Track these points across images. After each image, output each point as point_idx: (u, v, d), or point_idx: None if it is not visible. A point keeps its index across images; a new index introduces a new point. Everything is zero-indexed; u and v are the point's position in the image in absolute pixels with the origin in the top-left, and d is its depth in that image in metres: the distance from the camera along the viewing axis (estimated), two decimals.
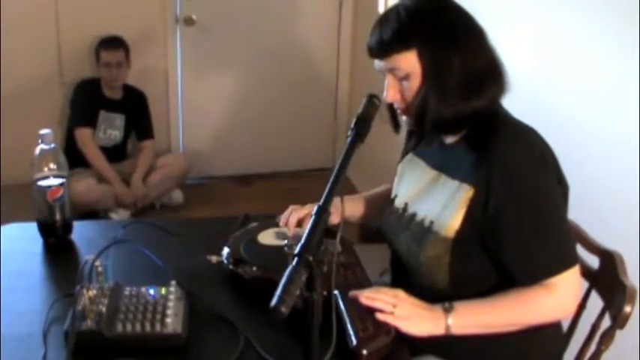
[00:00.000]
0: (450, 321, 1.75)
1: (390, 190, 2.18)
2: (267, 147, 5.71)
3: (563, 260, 1.77)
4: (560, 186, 1.83)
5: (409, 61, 1.80)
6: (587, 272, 2.09)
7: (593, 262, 2.09)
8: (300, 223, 2.11)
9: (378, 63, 1.88)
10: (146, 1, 5.22)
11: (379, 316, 1.75)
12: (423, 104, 1.82)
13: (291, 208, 2.17)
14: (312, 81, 5.68)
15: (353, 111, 5.61)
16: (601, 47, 2.67)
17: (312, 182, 5.43)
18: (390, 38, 1.81)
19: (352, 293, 1.81)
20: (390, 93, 1.88)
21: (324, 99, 5.76)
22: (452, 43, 1.79)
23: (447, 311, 1.76)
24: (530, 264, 1.77)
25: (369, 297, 1.78)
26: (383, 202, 2.19)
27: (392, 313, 1.74)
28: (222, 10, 5.32)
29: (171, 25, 5.28)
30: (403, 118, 1.95)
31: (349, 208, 2.24)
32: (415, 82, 1.82)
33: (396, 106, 1.92)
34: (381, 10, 4.86)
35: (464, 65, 1.79)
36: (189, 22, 5.25)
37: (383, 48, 1.83)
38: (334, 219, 2.04)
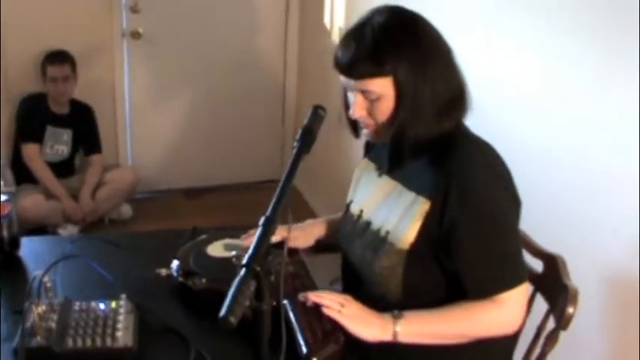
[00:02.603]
0: (399, 328, 1.77)
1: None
2: (215, 160, 5.70)
3: (513, 277, 1.80)
4: (513, 202, 1.85)
5: (383, 85, 1.79)
6: (531, 276, 2.13)
7: (537, 266, 2.14)
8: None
9: (346, 80, 1.85)
10: (92, 14, 5.17)
11: (326, 310, 1.77)
12: (400, 129, 1.82)
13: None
14: (260, 92, 5.69)
15: (300, 122, 5.62)
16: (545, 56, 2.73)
17: (261, 194, 5.37)
18: (365, 61, 1.78)
19: (301, 295, 1.82)
20: (357, 110, 1.86)
21: (272, 111, 5.78)
22: (427, 68, 1.79)
23: (396, 318, 1.78)
24: (481, 279, 1.80)
25: (317, 295, 1.81)
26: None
27: (339, 312, 1.76)
28: (169, 24, 5.31)
29: (118, 38, 5.25)
30: (364, 131, 1.94)
31: (318, 231, 2.27)
32: (387, 104, 1.81)
33: (361, 121, 1.90)
34: (327, 20, 4.90)
35: (437, 88, 1.80)
36: (135, 35, 5.23)
37: (356, 70, 1.80)
38: (301, 243, 2.14)
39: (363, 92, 1.83)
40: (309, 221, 2.30)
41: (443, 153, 1.83)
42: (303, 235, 2.24)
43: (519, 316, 1.82)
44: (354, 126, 2.00)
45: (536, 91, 2.80)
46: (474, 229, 1.77)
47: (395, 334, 1.77)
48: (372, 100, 1.83)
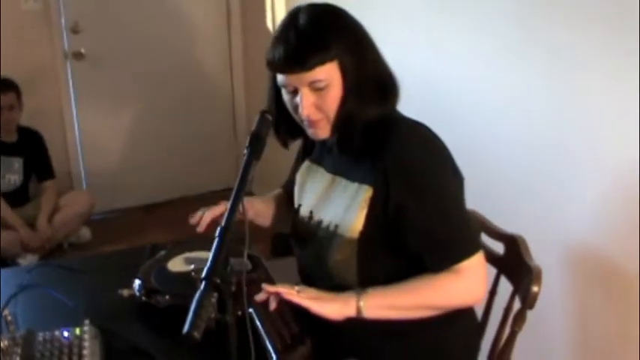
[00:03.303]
0: (362, 302, 1.77)
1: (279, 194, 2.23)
2: (170, 173, 5.68)
3: (468, 247, 1.82)
4: (455, 177, 1.87)
5: (330, 72, 1.79)
6: (493, 258, 2.15)
7: (498, 248, 2.15)
8: (214, 222, 2.08)
9: (286, 78, 1.83)
10: (32, 38, 5.12)
11: (285, 295, 1.76)
12: (349, 112, 1.82)
13: (202, 209, 2.14)
14: (209, 104, 5.68)
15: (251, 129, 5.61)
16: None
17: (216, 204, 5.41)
18: (309, 51, 1.77)
19: (257, 297, 1.80)
20: (306, 107, 1.83)
21: (223, 120, 5.77)
22: (364, 50, 1.83)
23: (359, 294, 1.79)
24: (436, 254, 1.81)
25: (273, 287, 1.80)
26: (285, 202, 2.24)
27: (298, 295, 1.77)
28: (111, 42, 5.28)
29: (61, 60, 5.20)
30: (310, 131, 1.91)
31: (262, 207, 2.26)
32: (335, 91, 1.81)
33: (305, 119, 1.88)
34: (270, 24, 4.90)
35: (376, 69, 1.84)
36: (78, 56, 5.19)
37: (301, 61, 1.78)
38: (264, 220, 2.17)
39: (310, 84, 1.81)
40: (251, 197, 2.29)
41: (378, 138, 1.84)
42: (265, 208, 2.27)
43: (480, 284, 1.84)
44: (284, 138, 2.03)
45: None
46: (421, 205, 1.79)
47: (359, 309, 1.77)
48: (320, 91, 1.82)
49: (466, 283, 1.81)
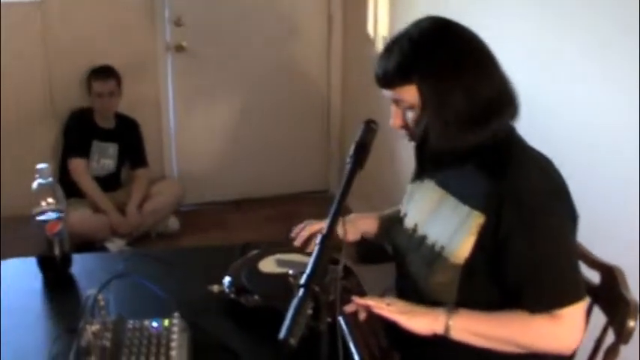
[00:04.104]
0: (451, 322, 1.75)
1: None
2: (260, 171, 5.70)
3: (572, 292, 1.76)
4: (570, 216, 1.82)
5: (410, 94, 1.80)
6: (588, 287, 2.09)
7: (594, 277, 2.10)
8: (310, 238, 2.10)
9: (384, 91, 1.87)
10: (136, 29, 5.22)
11: (376, 310, 1.76)
12: (422, 137, 1.83)
13: (305, 222, 2.16)
14: (304, 104, 5.68)
15: (345, 133, 5.62)
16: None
17: (306, 205, 5.43)
18: (391, 71, 1.81)
19: (347, 308, 1.80)
20: (393, 121, 1.88)
21: (317, 122, 5.77)
22: (453, 78, 1.78)
23: (450, 312, 1.77)
24: (539, 293, 1.76)
25: (363, 299, 1.80)
26: (395, 223, 2.19)
27: (388, 309, 1.76)
28: (213, 37, 5.33)
29: (162, 52, 5.28)
30: (412, 144, 1.95)
31: (364, 226, 2.25)
32: (415, 113, 1.82)
33: (401, 132, 1.91)
34: (371, 30, 4.88)
35: (465, 99, 1.78)
36: (179, 49, 5.25)
37: (386, 80, 1.84)
38: (350, 237, 2.09)
39: (397, 102, 1.85)
40: (353, 215, 2.27)
41: (496, 164, 1.81)
42: (351, 229, 2.21)
43: (577, 334, 1.77)
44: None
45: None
46: (531, 243, 1.74)
47: (447, 328, 1.75)
48: (404, 109, 1.85)
49: (562, 330, 1.75)
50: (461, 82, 1.78)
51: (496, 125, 1.82)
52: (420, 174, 1.96)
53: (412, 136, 1.88)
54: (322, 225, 2.04)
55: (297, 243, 2.11)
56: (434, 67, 1.79)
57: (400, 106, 1.85)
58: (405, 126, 1.88)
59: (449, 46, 1.82)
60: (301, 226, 2.15)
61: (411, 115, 1.84)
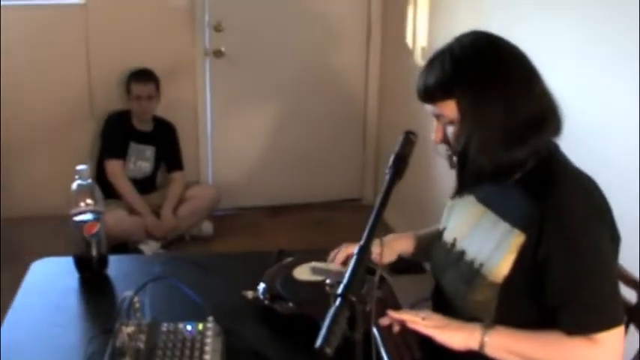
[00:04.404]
0: (487, 338, 1.74)
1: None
2: (295, 178, 5.71)
3: (610, 317, 1.73)
4: (612, 239, 1.80)
5: (450, 109, 1.79)
6: (625, 306, 2.07)
7: (631, 296, 2.08)
8: (346, 261, 2.10)
9: (427, 106, 1.87)
10: (175, 33, 5.26)
11: (411, 324, 1.76)
12: (462, 153, 1.81)
13: (344, 245, 2.16)
14: (341, 112, 5.69)
15: (381, 142, 5.62)
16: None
17: (340, 213, 5.44)
18: (432, 86, 1.80)
19: (381, 321, 1.80)
20: (434, 135, 1.88)
21: (353, 130, 5.77)
22: (493, 94, 1.76)
23: (487, 328, 1.76)
24: (577, 316, 1.73)
25: (397, 313, 1.80)
26: (433, 242, 2.18)
27: (424, 324, 1.76)
28: (251, 43, 5.35)
29: (201, 57, 5.32)
30: (454, 158, 1.92)
31: (401, 246, 2.24)
32: (455, 128, 1.82)
33: (441, 147, 1.91)
34: (409, 39, 4.88)
35: (506, 116, 1.76)
36: (218, 54, 5.28)
37: (427, 95, 1.83)
38: (386, 258, 2.09)
39: (437, 116, 1.85)
40: (390, 235, 2.27)
41: (538, 182, 1.79)
42: (387, 250, 2.21)
43: (614, 359, 1.74)
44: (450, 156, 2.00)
45: None
46: (571, 264, 1.72)
47: (482, 344, 1.75)
48: (445, 124, 1.84)
49: (599, 355, 1.72)
50: (501, 98, 1.76)
51: (537, 142, 1.80)
52: (461, 190, 1.94)
53: (452, 152, 1.87)
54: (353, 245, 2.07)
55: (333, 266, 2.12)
56: (473, 82, 1.77)
57: (441, 121, 1.85)
58: (446, 141, 1.87)
59: (489, 62, 1.80)
60: (336, 251, 2.16)
61: (451, 130, 1.83)
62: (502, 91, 1.77)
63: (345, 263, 2.10)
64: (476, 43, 1.83)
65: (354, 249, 2.04)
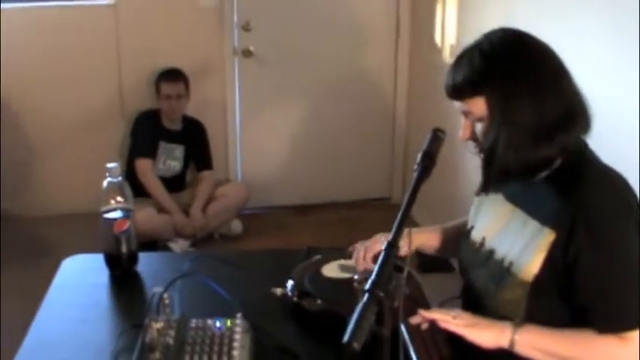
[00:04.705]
0: (517, 337, 1.74)
1: (465, 223, 2.16)
2: (324, 177, 5.72)
3: None
4: None
5: (480, 106, 1.78)
6: None
7: None
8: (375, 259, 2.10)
9: (455, 103, 1.86)
10: (205, 33, 5.29)
11: (441, 323, 1.76)
12: (489, 150, 1.80)
13: (362, 246, 2.14)
14: (369, 111, 5.68)
15: (410, 141, 5.61)
16: None
17: (369, 212, 5.43)
18: (460, 83, 1.80)
19: (413, 318, 1.80)
20: (462, 132, 1.87)
21: (382, 129, 5.76)
22: (522, 91, 1.75)
23: (517, 326, 1.75)
24: (608, 314, 1.72)
25: (428, 312, 1.80)
26: (459, 235, 2.16)
27: (454, 323, 1.76)
28: (280, 43, 5.37)
29: (230, 56, 5.34)
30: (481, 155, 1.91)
31: (424, 239, 2.23)
32: (483, 126, 1.81)
33: (470, 145, 1.89)
34: (438, 38, 4.87)
35: (535, 113, 1.75)
36: (247, 54, 5.30)
37: (455, 92, 1.82)
38: (404, 251, 2.06)
39: (466, 114, 1.84)
40: (413, 229, 2.26)
41: (567, 180, 1.78)
42: (405, 242, 2.19)
43: None
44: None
45: None
46: (602, 262, 1.70)
47: (512, 342, 1.74)
48: (474, 122, 1.83)
49: (629, 353, 1.70)
50: (529, 95, 1.75)
51: (565, 139, 1.79)
52: (486, 186, 1.93)
53: (480, 149, 1.86)
54: (380, 246, 2.06)
55: (360, 268, 2.09)
56: (502, 79, 1.77)
57: (469, 118, 1.84)
58: (474, 138, 1.86)
59: (518, 59, 1.80)
60: (361, 255, 2.11)
61: (480, 127, 1.82)
62: (531, 88, 1.76)
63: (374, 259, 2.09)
64: (504, 40, 1.82)
65: (376, 249, 2.05)
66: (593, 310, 1.73)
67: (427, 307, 2.00)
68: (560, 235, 1.75)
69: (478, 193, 2.00)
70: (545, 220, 1.79)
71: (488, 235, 1.98)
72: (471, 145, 1.88)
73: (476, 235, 2.04)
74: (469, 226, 2.10)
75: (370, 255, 2.09)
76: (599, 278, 1.71)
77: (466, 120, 1.85)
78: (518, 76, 1.77)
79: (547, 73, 1.80)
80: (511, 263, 1.85)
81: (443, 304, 2.25)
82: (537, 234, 1.80)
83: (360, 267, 2.08)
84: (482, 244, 1.99)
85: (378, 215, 5.09)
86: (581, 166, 1.80)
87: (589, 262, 1.71)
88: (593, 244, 1.70)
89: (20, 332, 2.03)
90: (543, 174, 1.83)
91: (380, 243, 2.08)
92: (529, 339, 1.74)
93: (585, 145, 1.86)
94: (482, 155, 1.85)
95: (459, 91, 1.82)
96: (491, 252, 1.94)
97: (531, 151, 1.78)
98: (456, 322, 1.76)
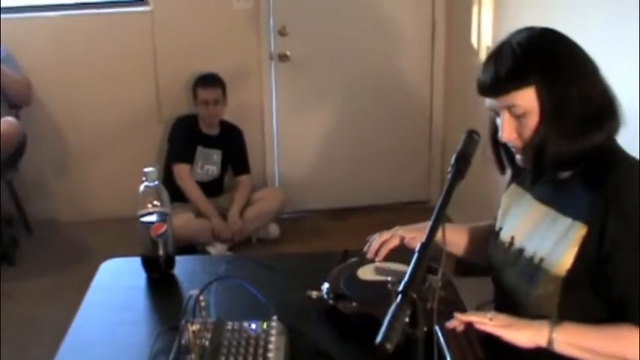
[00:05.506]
0: (555, 335, 1.71)
1: (492, 227, 2.14)
2: (361, 180, 5.71)
3: None
4: None
5: (528, 98, 1.76)
6: None
7: None
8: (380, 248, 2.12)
9: (490, 101, 1.83)
10: (241, 38, 5.31)
11: (479, 325, 1.74)
12: (542, 142, 1.77)
13: (379, 238, 2.16)
14: (406, 114, 5.66)
15: (447, 144, 5.58)
16: None
17: (406, 215, 5.36)
18: (507, 75, 1.76)
19: (450, 322, 1.79)
20: (506, 132, 1.82)
21: (418, 132, 5.74)
22: (570, 78, 1.75)
23: (555, 325, 1.72)
24: None
25: (464, 315, 1.78)
26: (486, 237, 2.15)
27: (491, 324, 1.74)
28: (316, 47, 5.38)
29: (266, 61, 5.36)
30: (518, 157, 1.89)
31: (451, 236, 2.19)
32: (533, 119, 1.77)
33: (511, 145, 1.87)
34: (474, 41, 4.85)
35: (582, 100, 1.74)
36: (283, 58, 5.31)
37: (499, 85, 1.78)
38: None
39: (510, 109, 1.80)
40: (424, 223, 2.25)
41: (597, 173, 1.77)
42: (419, 234, 2.13)
43: None
44: (499, 159, 1.98)
45: None
46: (635, 253, 1.69)
47: (550, 340, 1.71)
48: (518, 117, 1.79)
49: None
50: (576, 82, 1.75)
51: (610, 127, 1.79)
52: (536, 180, 1.90)
53: (524, 145, 1.83)
54: (397, 240, 2.09)
55: (370, 255, 2.12)
56: (552, 67, 1.76)
57: (512, 114, 1.80)
58: (518, 136, 1.83)
59: (562, 47, 1.80)
60: (375, 245, 2.15)
61: (524, 123, 1.79)
62: (576, 76, 1.76)
63: (376, 253, 2.12)
64: (541, 34, 1.82)
65: (387, 235, 2.05)
66: (630, 303, 1.71)
67: (463, 310, 1.99)
68: (592, 229, 1.74)
69: (531, 185, 1.97)
70: (576, 216, 1.78)
71: (517, 235, 1.97)
72: (509, 145, 1.87)
73: (504, 236, 2.03)
74: (497, 227, 2.09)
75: (385, 251, 2.10)
76: (634, 271, 1.69)
77: (509, 117, 1.81)
78: (564, 63, 1.77)
79: (586, 61, 1.81)
80: (542, 259, 1.84)
81: (480, 308, 2.24)
82: (569, 229, 1.79)
83: (370, 256, 2.12)
84: (511, 243, 1.98)
85: (415, 219, 4.99)
86: (610, 157, 1.80)
87: (623, 255, 1.69)
88: (626, 236, 1.69)
89: (58, 336, 2.06)
90: (572, 169, 1.83)
91: (397, 238, 2.11)
92: (568, 337, 1.72)
93: (612, 138, 1.84)
94: (526, 151, 1.83)
95: (502, 85, 1.78)
96: (521, 251, 1.93)
97: (582, 140, 1.77)
98: (493, 323, 1.74)
